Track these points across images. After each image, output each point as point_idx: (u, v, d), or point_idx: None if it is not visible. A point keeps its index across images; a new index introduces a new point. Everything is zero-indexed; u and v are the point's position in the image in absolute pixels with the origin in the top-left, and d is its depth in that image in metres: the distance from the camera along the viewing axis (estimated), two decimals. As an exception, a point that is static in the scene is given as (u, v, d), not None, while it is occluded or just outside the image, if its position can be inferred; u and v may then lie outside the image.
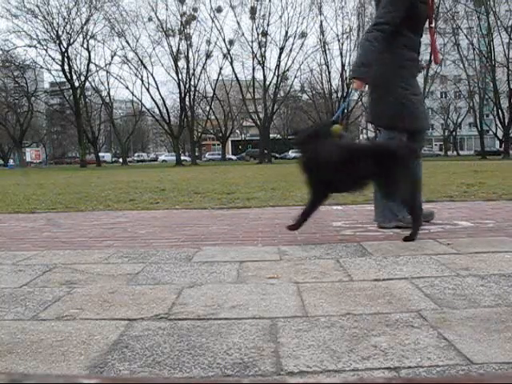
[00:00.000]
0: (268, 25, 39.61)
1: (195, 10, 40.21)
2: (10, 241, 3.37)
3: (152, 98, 42.57)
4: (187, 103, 40.41)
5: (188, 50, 39.98)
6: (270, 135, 44.41)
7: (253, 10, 39.27)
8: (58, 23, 39.15)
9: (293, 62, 40.11)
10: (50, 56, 40.30)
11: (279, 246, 2.92)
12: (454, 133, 55.31)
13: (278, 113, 46.76)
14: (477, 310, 1.64)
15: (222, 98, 45.08)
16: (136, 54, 39.62)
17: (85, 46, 40.32)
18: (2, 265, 2.54)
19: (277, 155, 50.80)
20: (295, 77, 41.91)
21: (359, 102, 43.00)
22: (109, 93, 45.18)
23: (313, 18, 54.83)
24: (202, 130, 47.71)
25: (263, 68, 39.61)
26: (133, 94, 45.92)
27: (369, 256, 2.55)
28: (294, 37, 39.63)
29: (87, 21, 39.33)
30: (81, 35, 39.95)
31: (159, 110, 41.79)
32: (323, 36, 39.96)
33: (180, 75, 39.55)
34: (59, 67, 40.29)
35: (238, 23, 55.85)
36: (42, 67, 41.80)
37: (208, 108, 46.03)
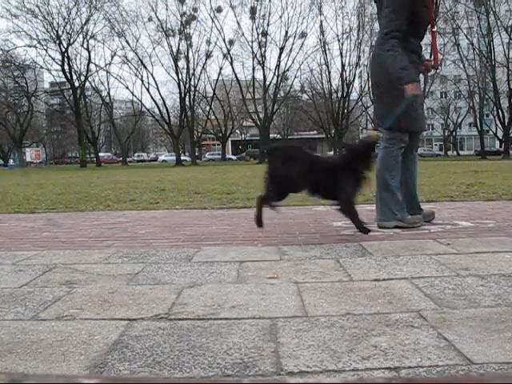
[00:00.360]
0: (268, 25, 39.78)
1: (195, 10, 40.25)
2: (9, 241, 3.37)
3: (152, 98, 42.64)
4: (187, 103, 40.38)
5: (188, 49, 40.00)
6: (270, 135, 44.37)
7: (253, 10, 39.33)
8: (57, 23, 39.26)
9: (293, 62, 40.26)
10: (50, 56, 40.43)
11: (279, 245, 2.92)
12: (453, 133, 55.31)
13: (277, 113, 46.74)
14: (477, 310, 1.64)
15: (221, 98, 45.05)
16: (136, 53, 39.67)
17: (85, 46, 40.42)
18: (1, 265, 2.55)
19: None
20: (295, 77, 42.04)
21: (359, 102, 43.11)
22: (109, 93, 45.28)
23: (313, 18, 55.20)
24: (201, 130, 47.72)
25: (263, 68, 39.67)
26: (133, 94, 45.96)
27: (369, 256, 2.55)
28: (294, 37, 39.78)
29: (87, 21, 39.42)
30: (81, 35, 40.07)
31: (159, 110, 41.77)
32: (323, 36, 40.05)
33: (180, 75, 39.58)
34: (59, 67, 40.36)
35: (238, 23, 56.10)
36: (41, 67, 41.86)
37: (208, 108, 46.03)
